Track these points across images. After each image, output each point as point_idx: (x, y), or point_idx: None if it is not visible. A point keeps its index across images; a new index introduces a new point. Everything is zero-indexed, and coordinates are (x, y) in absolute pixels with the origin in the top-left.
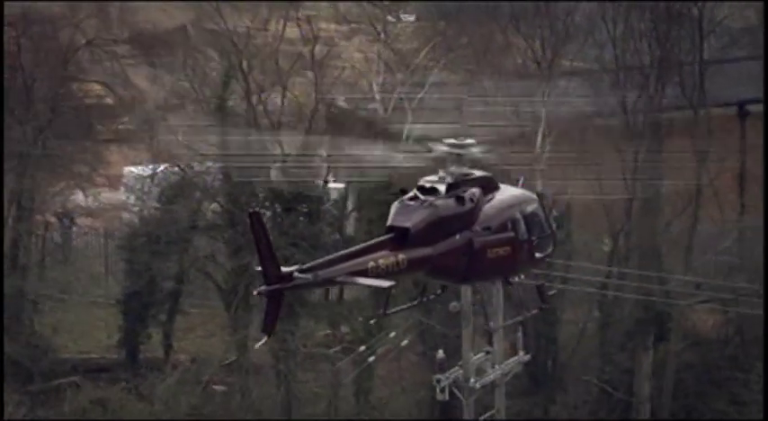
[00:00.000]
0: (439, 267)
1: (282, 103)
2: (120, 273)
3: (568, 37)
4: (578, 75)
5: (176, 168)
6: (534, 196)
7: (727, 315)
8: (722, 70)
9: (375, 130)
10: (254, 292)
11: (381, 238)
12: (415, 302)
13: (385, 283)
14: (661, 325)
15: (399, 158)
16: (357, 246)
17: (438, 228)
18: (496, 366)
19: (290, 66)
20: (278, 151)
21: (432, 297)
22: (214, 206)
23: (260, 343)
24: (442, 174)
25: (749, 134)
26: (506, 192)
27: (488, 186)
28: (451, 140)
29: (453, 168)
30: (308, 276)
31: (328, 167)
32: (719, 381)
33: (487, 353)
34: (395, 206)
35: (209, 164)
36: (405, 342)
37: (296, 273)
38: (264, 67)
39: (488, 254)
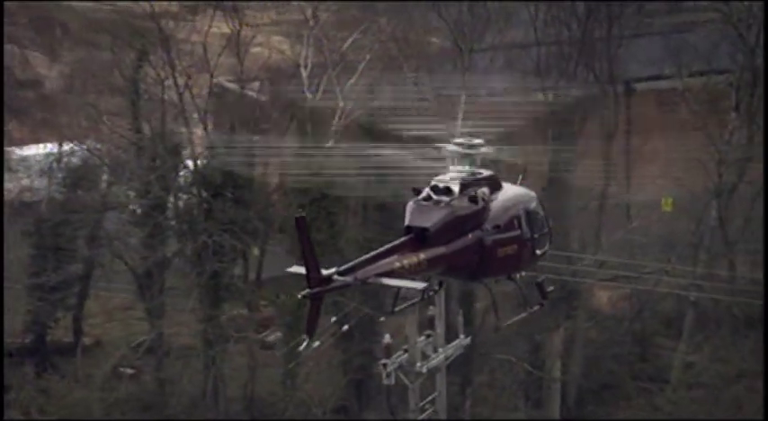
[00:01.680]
0: (452, 266)
1: (183, 87)
2: (27, 257)
3: (489, 20)
4: (499, 56)
5: (82, 148)
6: (534, 194)
7: (632, 292)
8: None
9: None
10: (299, 296)
11: (402, 239)
12: (417, 299)
13: (419, 285)
14: (570, 303)
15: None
16: (382, 248)
17: (454, 227)
18: (439, 350)
19: (213, 51)
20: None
21: (432, 293)
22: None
23: (303, 345)
24: (453, 173)
25: (637, 112)
26: (510, 191)
27: (494, 185)
28: (460, 140)
29: (463, 167)
30: (348, 279)
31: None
32: (622, 356)
33: (428, 336)
34: (410, 206)
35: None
36: (345, 327)
37: (335, 276)
38: (184, 52)
39: (498, 252)
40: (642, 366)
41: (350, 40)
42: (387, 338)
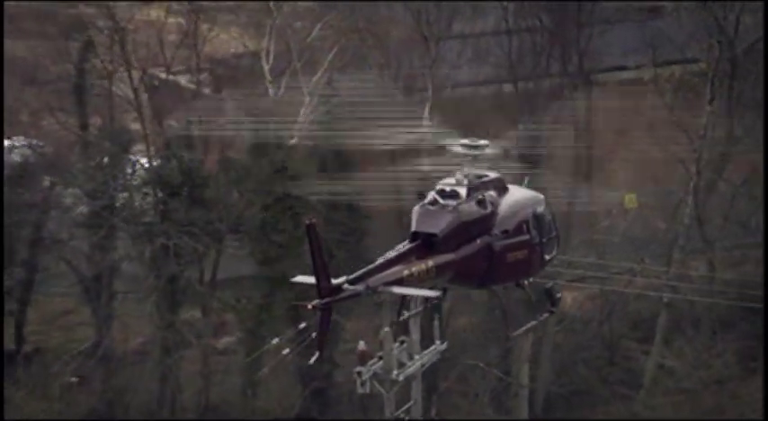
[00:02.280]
0: (460, 273)
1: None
2: None
3: (455, 10)
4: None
5: (23, 144)
6: (542, 196)
7: (600, 293)
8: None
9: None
10: (309, 306)
11: (409, 246)
12: (421, 308)
13: (433, 293)
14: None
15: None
16: (389, 255)
17: (462, 233)
18: (415, 356)
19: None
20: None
21: (435, 301)
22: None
23: (313, 359)
24: (459, 176)
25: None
26: (517, 193)
27: (500, 187)
28: (466, 141)
29: (469, 170)
30: (359, 288)
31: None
32: (591, 361)
33: (402, 342)
34: (417, 211)
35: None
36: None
37: (345, 285)
38: (138, 44)
39: (507, 257)
40: (611, 370)
41: (316, 30)
42: (361, 345)
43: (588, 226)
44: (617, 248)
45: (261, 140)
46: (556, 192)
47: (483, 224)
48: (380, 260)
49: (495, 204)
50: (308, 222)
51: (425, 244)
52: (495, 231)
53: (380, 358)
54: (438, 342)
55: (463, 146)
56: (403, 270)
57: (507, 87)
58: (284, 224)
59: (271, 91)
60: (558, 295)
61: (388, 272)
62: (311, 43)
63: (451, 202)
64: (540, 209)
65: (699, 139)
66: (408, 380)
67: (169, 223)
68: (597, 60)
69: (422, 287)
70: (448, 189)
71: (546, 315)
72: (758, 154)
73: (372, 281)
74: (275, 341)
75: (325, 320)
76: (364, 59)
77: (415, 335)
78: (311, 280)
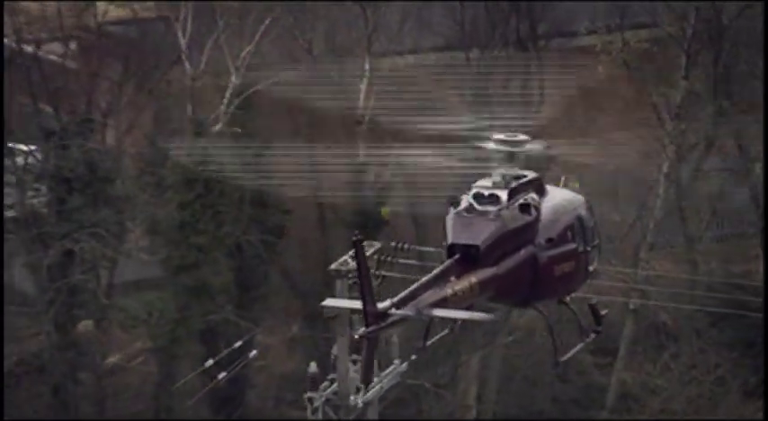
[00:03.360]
0: (502, 289)
1: None
2: None
3: None
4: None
5: None
6: (583, 198)
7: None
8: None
9: None
10: (356, 336)
11: (447, 262)
12: (447, 330)
13: (486, 316)
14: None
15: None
16: (430, 275)
17: (505, 243)
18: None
19: None
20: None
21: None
22: None
23: (359, 398)
24: (497, 178)
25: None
26: (557, 195)
27: (539, 189)
28: (501, 136)
29: (505, 170)
30: (409, 312)
31: None
32: (540, 378)
33: (354, 362)
34: (452, 219)
35: None
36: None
37: (393, 310)
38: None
39: (555, 270)
40: (564, 388)
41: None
42: (312, 367)
43: None
44: None
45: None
46: None
47: (527, 232)
48: (422, 280)
49: (538, 209)
50: (354, 238)
51: (465, 257)
52: (539, 240)
53: (332, 382)
54: (397, 362)
55: (498, 141)
56: (446, 289)
57: (457, 55)
58: (204, 224)
59: (187, 67)
60: (603, 312)
61: (432, 292)
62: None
63: (491, 209)
64: (583, 212)
65: (673, 120)
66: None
67: (68, 224)
68: (558, 25)
69: (465, 307)
70: (486, 193)
71: (593, 336)
72: (742, 137)
73: (418, 304)
74: (209, 362)
75: (372, 351)
76: (294, 29)
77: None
78: (344, 304)
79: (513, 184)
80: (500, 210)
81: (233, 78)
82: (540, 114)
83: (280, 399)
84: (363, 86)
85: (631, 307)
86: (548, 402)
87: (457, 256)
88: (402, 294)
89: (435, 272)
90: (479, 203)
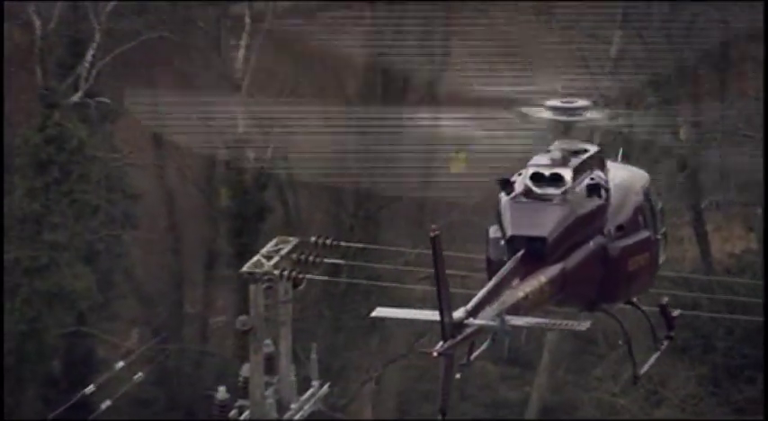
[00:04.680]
0: (569, 289)
1: None
2: None
3: None
4: None
5: None
6: (646, 174)
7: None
8: None
9: None
10: (435, 353)
11: (512, 260)
12: (485, 346)
13: (582, 325)
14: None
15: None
16: (497, 275)
17: (574, 233)
18: (292, 405)
19: None
20: None
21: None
22: None
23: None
24: (556, 154)
25: None
26: (619, 172)
27: (601, 165)
28: (556, 103)
29: (565, 144)
30: (492, 323)
31: None
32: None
33: (268, 384)
34: (509, 207)
35: None
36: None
37: (470, 320)
38: None
39: (629, 264)
40: (464, 407)
41: None
42: (221, 392)
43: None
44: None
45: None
46: None
47: (596, 219)
48: (490, 284)
49: (608, 190)
50: (432, 234)
51: (530, 252)
52: (609, 228)
53: (240, 409)
54: (316, 383)
55: (554, 109)
56: (517, 292)
57: None
58: (60, 217)
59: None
60: (675, 313)
61: (505, 297)
62: None
63: (554, 192)
64: (650, 193)
65: (607, 76)
66: None
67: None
68: None
69: (535, 312)
70: (547, 172)
71: (666, 343)
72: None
73: (494, 311)
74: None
75: (451, 370)
76: None
77: (288, 372)
78: (397, 313)
79: (577, 161)
80: (565, 192)
81: (96, 36)
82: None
83: None
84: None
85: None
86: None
87: (522, 252)
88: (474, 301)
89: (502, 272)
90: (539, 186)
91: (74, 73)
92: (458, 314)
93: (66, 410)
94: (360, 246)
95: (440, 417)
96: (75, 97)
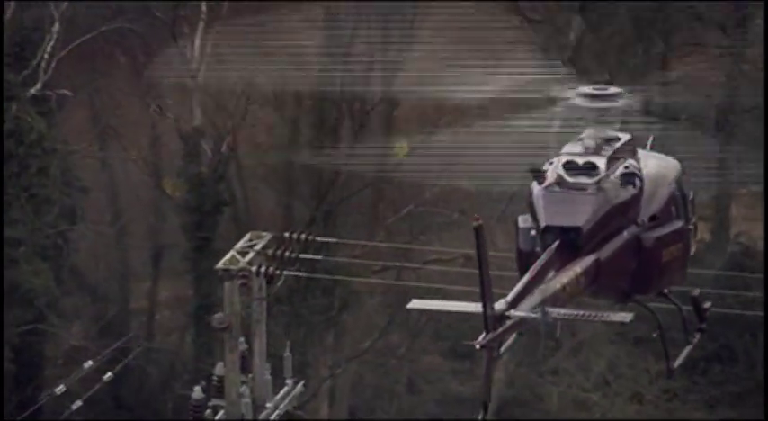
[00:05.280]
0: (602, 281)
1: None
2: None
3: None
4: None
5: None
6: (677, 163)
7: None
8: None
9: None
10: (478, 346)
11: (549, 250)
12: (512, 339)
13: (625, 317)
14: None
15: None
16: (535, 266)
17: (608, 223)
18: (268, 404)
19: None
20: None
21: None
22: None
23: (480, 416)
24: (589, 142)
25: None
26: (650, 160)
27: (633, 153)
28: (588, 89)
29: (596, 132)
30: (534, 314)
31: None
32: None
33: (243, 382)
34: (541, 196)
35: None
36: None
37: (512, 312)
38: None
39: (663, 255)
40: (413, 400)
41: None
42: (197, 391)
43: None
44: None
45: None
46: None
47: (630, 209)
48: (528, 274)
49: (642, 179)
50: (475, 224)
51: (565, 243)
52: (642, 218)
53: (215, 409)
54: (290, 380)
55: (585, 96)
56: (554, 283)
57: None
58: (20, 212)
59: None
60: (707, 305)
61: (543, 288)
62: None
63: (588, 181)
64: (680, 180)
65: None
66: None
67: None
68: None
69: (571, 303)
70: (580, 161)
71: (698, 336)
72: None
73: (533, 302)
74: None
75: (493, 363)
76: None
77: (262, 371)
78: (433, 305)
79: (610, 149)
80: (599, 181)
81: (55, 26)
82: None
83: None
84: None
85: None
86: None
87: (557, 243)
88: (513, 292)
89: (539, 263)
90: (572, 175)
91: (31, 65)
92: (499, 306)
93: (18, 409)
94: (334, 241)
95: (481, 411)
96: (33, 90)
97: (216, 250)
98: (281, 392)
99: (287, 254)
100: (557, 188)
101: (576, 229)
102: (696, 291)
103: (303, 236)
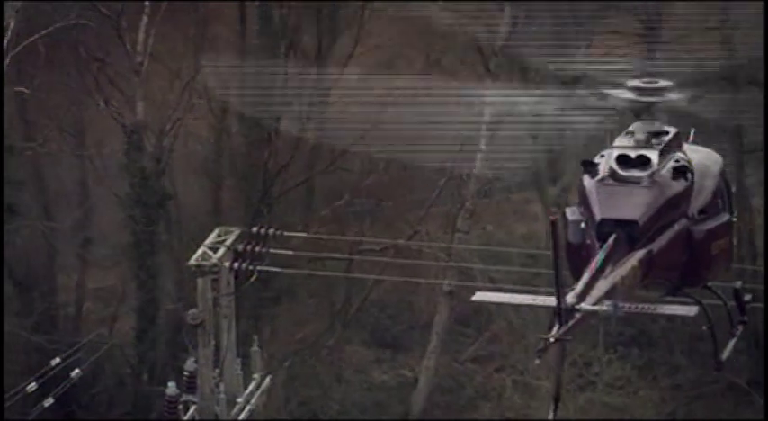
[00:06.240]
0: (655, 273)
1: None
2: None
3: None
4: None
5: None
6: (719, 156)
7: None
8: None
9: None
10: (552, 339)
11: (607, 245)
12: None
13: (691, 310)
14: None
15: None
16: (598, 258)
17: (662, 216)
18: (239, 399)
19: None
20: None
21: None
22: None
23: (551, 414)
24: (640, 135)
25: None
26: (695, 154)
27: (680, 148)
28: (637, 83)
29: (647, 125)
30: (605, 307)
31: None
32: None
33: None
34: (594, 189)
35: None
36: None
37: (583, 305)
38: None
39: (712, 248)
40: (339, 389)
41: None
42: (171, 388)
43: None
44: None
45: None
46: None
47: (682, 202)
48: (590, 269)
49: (693, 173)
50: (552, 218)
51: (622, 236)
52: (692, 211)
53: (186, 404)
54: (257, 375)
55: (634, 90)
56: (614, 276)
57: None
58: None
59: None
60: (747, 298)
61: (608, 281)
62: None
63: (641, 174)
64: (724, 174)
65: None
66: None
67: None
68: None
69: (627, 295)
70: (633, 154)
71: (740, 329)
72: None
73: (598, 294)
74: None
75: (563, 358)
76: None
77: (233, 365)
78: (499, 297)
79: (661, 143)
80: (653, 175)
81: (10, 24)
82: None
83: None
84: None
85: (446, 289)
86: (333, 407)
87: (614, 236)
88: (580, 285)
89: (601, 255)
90: (624, 168)
91: None
92: (570, 299)
93: None
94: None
95: (552, 409)
96: None
97: (160, 244)
98: (250, 387)
99: (256, 249)
100: (611, 181)
101: (632, 223)
102: (738, 284)
103: (271, 230)
